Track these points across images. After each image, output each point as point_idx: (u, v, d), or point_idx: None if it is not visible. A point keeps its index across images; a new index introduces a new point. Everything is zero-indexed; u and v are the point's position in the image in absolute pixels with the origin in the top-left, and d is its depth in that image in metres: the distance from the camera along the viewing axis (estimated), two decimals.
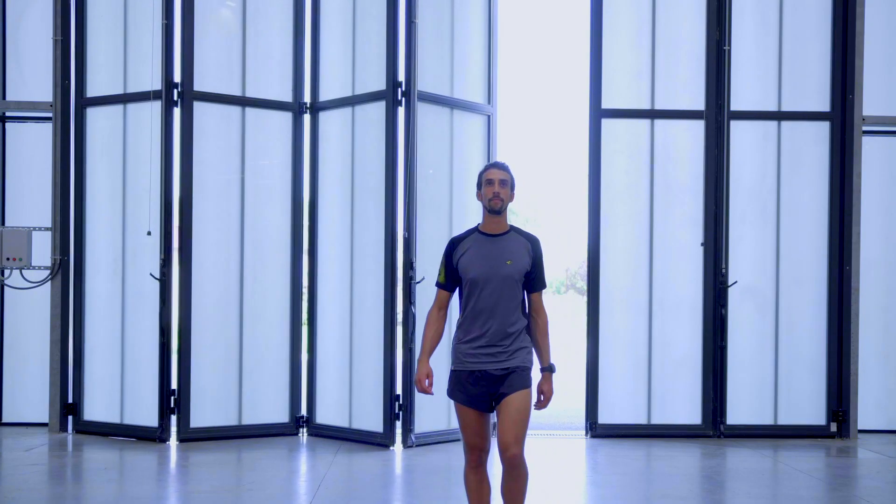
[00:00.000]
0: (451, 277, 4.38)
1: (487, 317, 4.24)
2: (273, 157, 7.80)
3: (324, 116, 7.82)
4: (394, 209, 7.28)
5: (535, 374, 4.32)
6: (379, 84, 7.40)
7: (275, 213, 7.80)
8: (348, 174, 7.66)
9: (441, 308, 4.42)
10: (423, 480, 6.29)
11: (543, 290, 4.41)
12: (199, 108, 7.50)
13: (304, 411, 7.81)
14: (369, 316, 7.45)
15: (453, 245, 4.39)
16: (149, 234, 7.39)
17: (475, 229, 4.40)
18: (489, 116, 7.92)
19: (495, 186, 4.30)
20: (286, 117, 7.83)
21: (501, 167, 4.35)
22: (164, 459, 6.82)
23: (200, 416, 7.49)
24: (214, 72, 7.60)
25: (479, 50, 7.93)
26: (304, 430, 7.78)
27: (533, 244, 4.36)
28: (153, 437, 7.38)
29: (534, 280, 4.34)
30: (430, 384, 4.33)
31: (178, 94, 7.45)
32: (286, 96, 7.82)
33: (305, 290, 7.90)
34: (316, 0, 7.81)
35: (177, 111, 7.45)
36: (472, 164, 7.73)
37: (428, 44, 7.48)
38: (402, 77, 7.30)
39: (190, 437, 7.39)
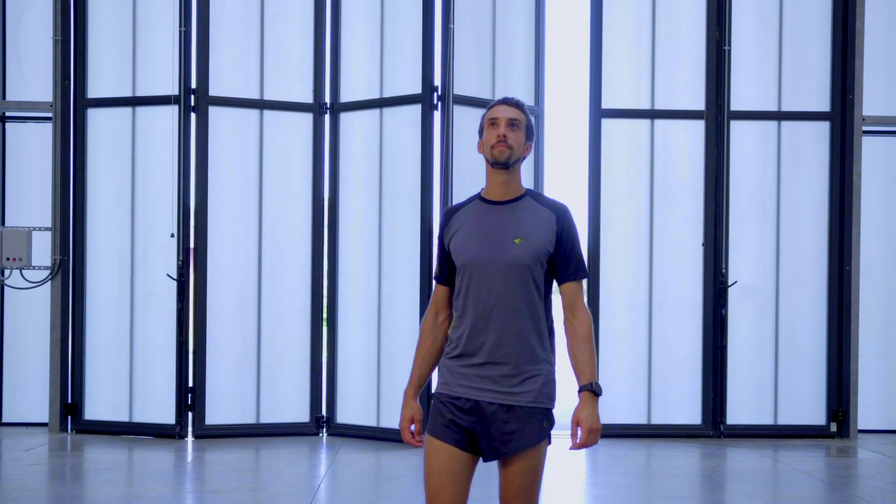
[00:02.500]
0: (447, 264, 3.10)
1: (484, 322, 2.95)
2: (292, 158, 7.82)
3: (346, 117, 7.81)
4: (430, 211, 7.29)
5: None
6: (412, 88, 7.43)
7: (295, 213, 7.81)
8: (375, 175, 7.66)
9: (440, 311, 3.14)
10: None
11: (584, 280, 3.09)
12: (215, 112, 7.61)
13: (324, 411, 7.80)
14: (402, 316, 7.44)
15: (448, 217, 3.10)
16: (172, 236, 7.50)
17: (477, 195, 3.13)
18: (535, 117, 7.85)
19: (501, 127, 2.98)
20: (306, 119, 7.82)
21: (512, 103, 3.03)
22: (178, 457, 6.82)
23: (217, 414, 7.57)
24: (232, 76, 7.69)
25: (525, 50, 7.86)
26: (325, 429, 7.76)
27: (559, 215, 3.01)
28: (167, 433, 7.46)
29: (564, 266, 3.02)
30: (418, 433, 3.05)
31: (194, 100, 7.55)
32: (306, 98, 7.82)
33: (326, 290, 7.90)
34: (336, 2, 7.81)
35: (193, 116, 7.57)
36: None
37: (466, 47, 7.49)
38: (438, 82, 7.34)
39: (206, 433, 7.49)
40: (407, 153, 7.48)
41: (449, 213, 3.11)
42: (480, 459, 3.01)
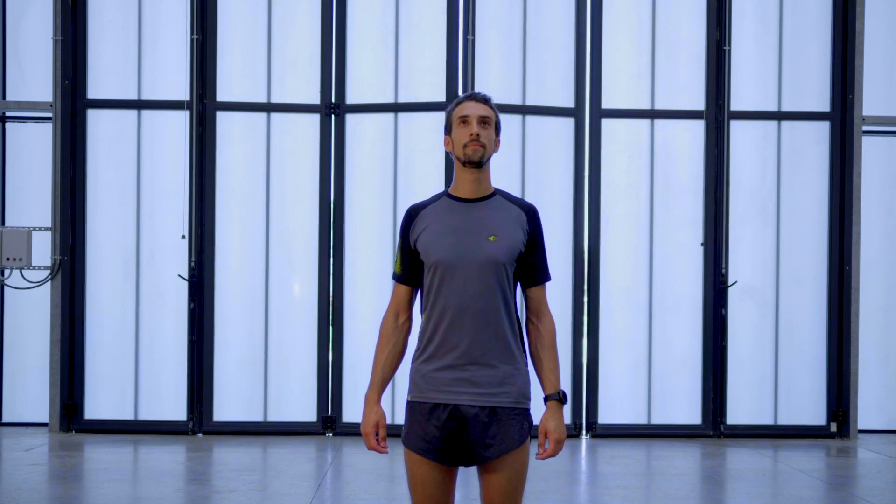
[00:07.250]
0: (410, 264, 3.00)
1: (460, 322, 2.88)
2: (300, 159, 7.84)
3: (354, 119, 7.80)
4: None
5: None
6: (432, 95, 7.58)
7: (302, 213, 7.84)
8: (389, 177, 7.70)
9: (401, 312, 3.05)
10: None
11: (547, 284, 3.03)
12: (222, 116, 7.73)
13: (330, 411, 7.80)
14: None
15: (411, 216, 3.00)
16: (183, 237, 7.64)
17: (444, 193, 3.03)
18: (574, 118, 7.79)
19: (473, 126, 2.91)
20: (313, 120, 7.82)
21: (481, 99, 2.97)
22: (185, 455, 6.83)
23: (225, 411, 7.68)
24: (239, 80, 7.77)
25: (561, 54, 7.80)
26: (332, 429, 7.75)
27: (529, 215, 2.98)
28: (177, 430, 7.61)
29: (532, 268, 2.97)
30: (383, 438, 2.96)
31: (202, 106, 7.67)
32: (313, 100, 7.83)
33: (332, 290, 7.90)
34: (342, 4, 7.78)
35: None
36: (550, 168, 7.75)
37: (492, 54, 7.55)
38: (460, 91, 7.47)
39: (214, 430, 7.64)
40: (428, 159, 7.55)
41: (413, 211, 3.01)
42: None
